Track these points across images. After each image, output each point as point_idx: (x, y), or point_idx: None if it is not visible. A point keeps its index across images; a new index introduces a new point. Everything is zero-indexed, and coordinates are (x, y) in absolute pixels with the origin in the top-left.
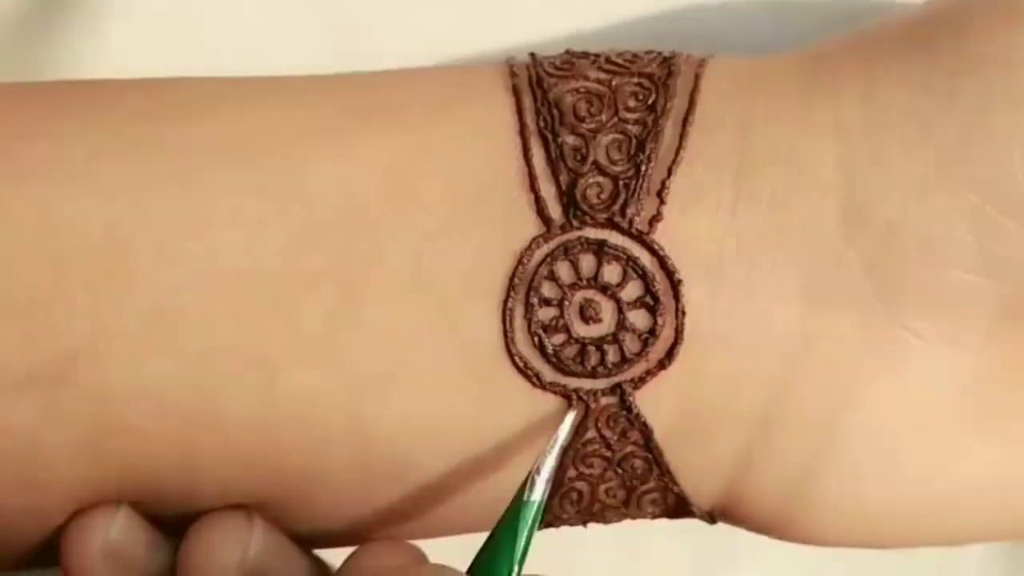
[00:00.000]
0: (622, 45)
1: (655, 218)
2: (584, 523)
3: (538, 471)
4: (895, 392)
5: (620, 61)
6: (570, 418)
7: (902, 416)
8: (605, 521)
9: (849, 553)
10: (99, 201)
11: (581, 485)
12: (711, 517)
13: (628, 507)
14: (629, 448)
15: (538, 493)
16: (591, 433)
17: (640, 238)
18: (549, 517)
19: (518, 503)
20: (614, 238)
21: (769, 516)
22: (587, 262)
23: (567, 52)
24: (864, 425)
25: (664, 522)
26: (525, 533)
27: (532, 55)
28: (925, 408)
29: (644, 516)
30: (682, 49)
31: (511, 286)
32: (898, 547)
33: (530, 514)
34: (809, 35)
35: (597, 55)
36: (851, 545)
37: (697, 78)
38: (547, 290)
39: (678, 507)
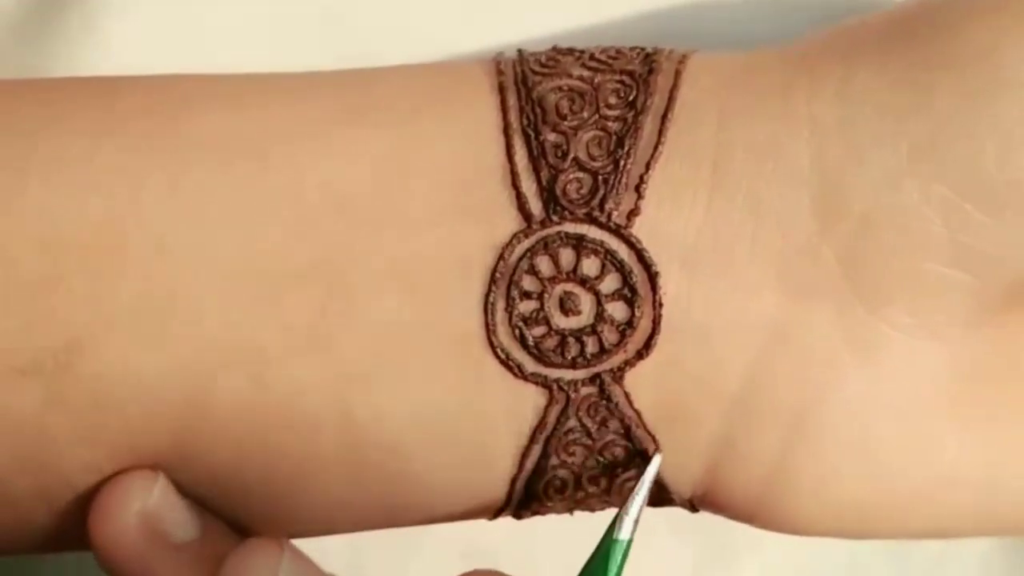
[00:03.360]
0: (614, 41)
1: (633, 212)
2: (570, 511)
3: (626, 511)
4: (872, 383)
5: (603, 58)
6: (657, 460)
7: (879, 407)
8: (590, 509)
9: (849, 552)
10: (97, 195)
11: (564, 473)
12: (691, 505)
13: (610, 495)
14: (610, 437)
15: (626, 532)
16: (572, 422)
17: (618, 232)
18: (536, 505)
19: (607, 541)
20: (593, 232)
21: (748, 503)
22: (567, 256)
23: (554, 48)
24: (840, 415)
25: (664, 520)
26: (614, 570)
27: (519, 52)
28: (903, 399)
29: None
30: (673, 45)
31: (493, 280)
32: (881, 538)
33: (619, 552)
34: (802, 31)
35: (582, 52)
36: (832, 535)
37: (677, 75)
38: (527, 283)
39: (658, 494)
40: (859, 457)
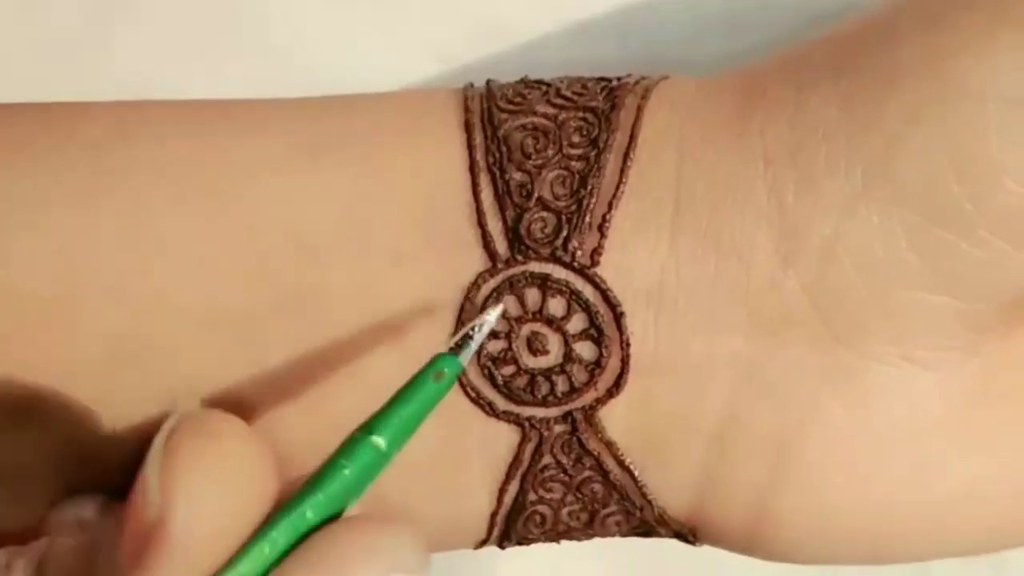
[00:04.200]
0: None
1: (597, 251)
2: (554, 541)
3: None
4: (854, 415)
5: (569, 94)
6: (498, 309)
7: (864, 437)
8: (574, 539)
9: None
10: (53, 235)
11: (543, 509)
12: (684, 538)
13: (592, 528)
14: (586, 473)
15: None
16: (547, 459)
17: (582, 272)
18: (516, 537)
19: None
20: (558, 272)
21: (742, 538)
22: (532, 296)
23: (522, 81)
24: (823, 447)
25: None
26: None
27: (488, 84)
28: (890, 428)
29: (611, 535)
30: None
31: (459, 320)
32: (898, 563)
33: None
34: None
35: (549, 86)
36: (830, 563)
37: (639, 111)
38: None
39: (644, 528)
40: (848, 488)
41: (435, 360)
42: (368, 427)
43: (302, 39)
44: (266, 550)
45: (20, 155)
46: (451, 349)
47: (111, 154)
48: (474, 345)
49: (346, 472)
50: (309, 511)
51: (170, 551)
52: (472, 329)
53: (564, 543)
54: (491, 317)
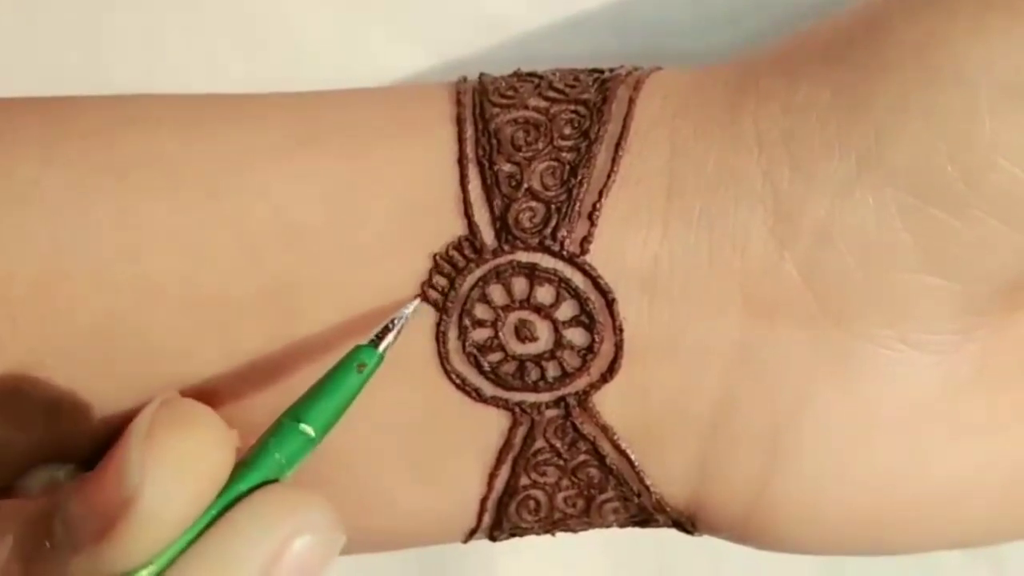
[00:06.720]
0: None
1: (586, 239)
2: (549, 532)
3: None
4: (850, 398)
5: (561, 87)
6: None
7: (859, 422)
8: (571, 530)
9: None
10: (44, 217)
11: (537, 494)
12: (682, 526)
13: (589, 515)
14: (582, 457)
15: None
16: (540, 443)
17: (571, 260)
18: (510, 526)
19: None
20: (545, 261)
21: (736, 525)
22: (520, 284)
23: (515, 74)
24: (817, 433)
25: None
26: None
27: (481, 78)
28: (886, 413)
29: (608, 525)
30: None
31: (444, 309)
32: (899, 553)
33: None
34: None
35: (541, 79)
36: (828, 552)
37: (631, 102)
38: (480, 312)
39: (641, 516)
40: (843, 473)
41: (355, 352)
42: (295, 414)
43: (298, 33)
44: (204, 523)
45: (13, 144)
46: (371, 341)
47: (104, 143)
48: (392, 336)
49: (277, 456)
50: (243, 485)
51: (141, 525)
52: (391, 322)
53: (566, 541)
54: (408, 310)
